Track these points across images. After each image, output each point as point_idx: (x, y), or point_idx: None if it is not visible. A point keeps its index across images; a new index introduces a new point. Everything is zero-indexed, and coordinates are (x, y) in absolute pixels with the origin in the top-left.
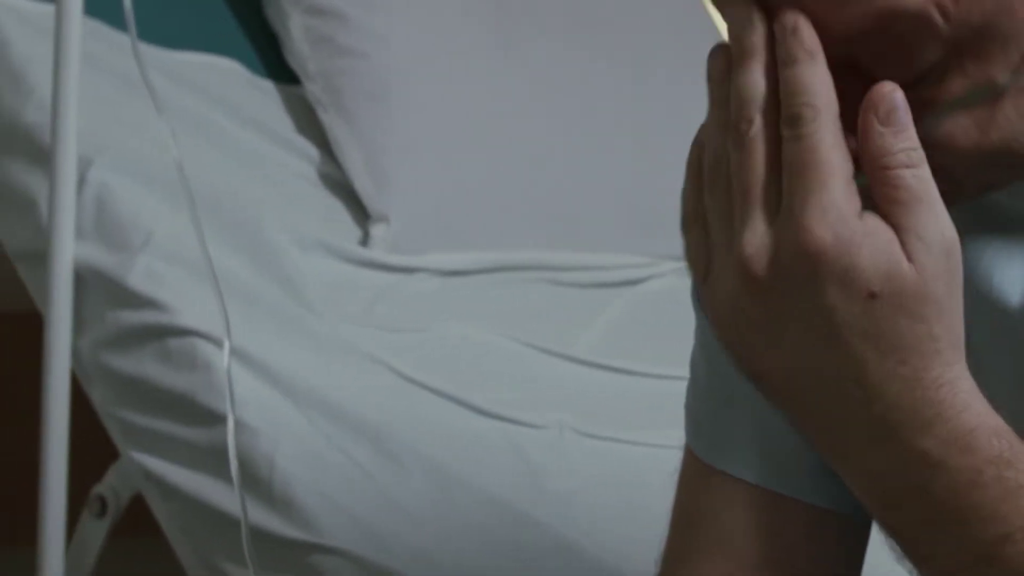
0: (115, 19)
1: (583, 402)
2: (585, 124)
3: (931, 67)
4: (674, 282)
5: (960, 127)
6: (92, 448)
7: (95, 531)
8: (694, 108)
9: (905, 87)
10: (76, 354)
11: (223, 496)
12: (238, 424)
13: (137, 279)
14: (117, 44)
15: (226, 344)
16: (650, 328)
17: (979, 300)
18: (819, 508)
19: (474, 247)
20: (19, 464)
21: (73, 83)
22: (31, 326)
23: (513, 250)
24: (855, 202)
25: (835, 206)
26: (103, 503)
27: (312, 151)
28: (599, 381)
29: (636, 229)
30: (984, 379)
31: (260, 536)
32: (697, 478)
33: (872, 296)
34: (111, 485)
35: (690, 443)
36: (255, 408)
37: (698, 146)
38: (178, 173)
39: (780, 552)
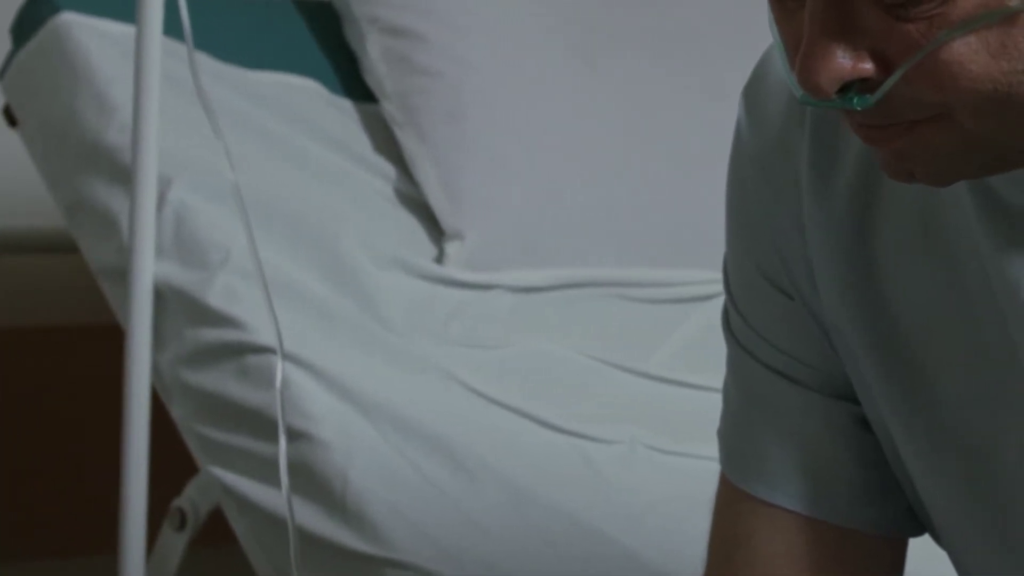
0: (199, 41)
1: (655, 418)
2: (660, 142)
3: None
4: None
5: (969, 49)
6: (174, 461)
7: (175, 543)
8: None
9: (915, 4)
10: (156, 370)
11: (297, 510)
12: (312, 439)
13: (216, 297)
14: (200, 65)
15: (279, 354)
16: (723, 344)
17: (1018, 306)
18: (858, 532)
19: (548, 264)
20: (103, 475)
21: (153, 104)
22: (115, 338)
23: (587, 267)
24: None
25: None
26: (183, 516)
27: (389, 169)
28: (672, 397)
29: (710, 246)
30: None
31: (333, 550)
32: (733, 504)
33: None
34: (190, 498)
35: (724, 470)
36: (329, 423)
37: None
38: (234, 192)
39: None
